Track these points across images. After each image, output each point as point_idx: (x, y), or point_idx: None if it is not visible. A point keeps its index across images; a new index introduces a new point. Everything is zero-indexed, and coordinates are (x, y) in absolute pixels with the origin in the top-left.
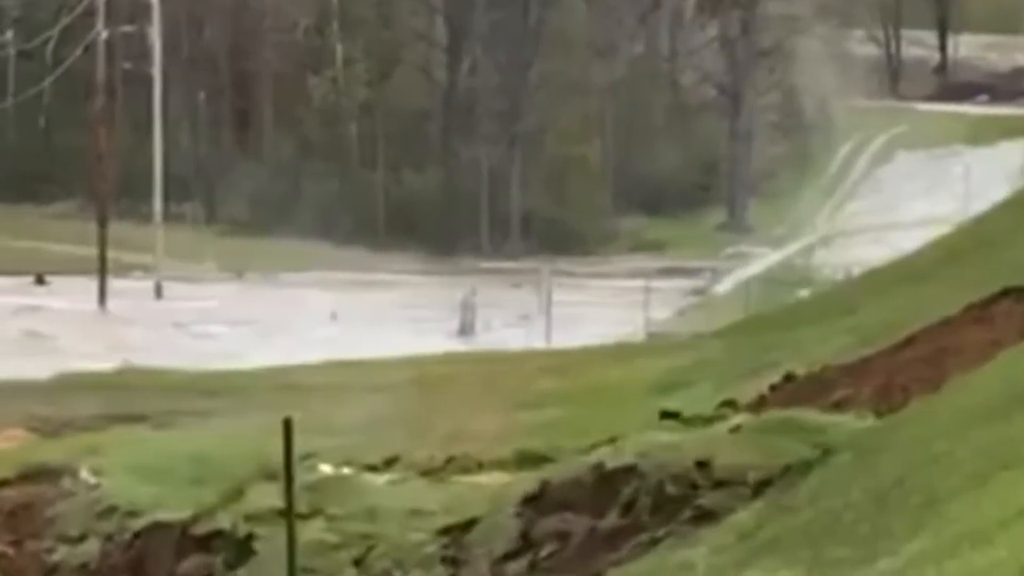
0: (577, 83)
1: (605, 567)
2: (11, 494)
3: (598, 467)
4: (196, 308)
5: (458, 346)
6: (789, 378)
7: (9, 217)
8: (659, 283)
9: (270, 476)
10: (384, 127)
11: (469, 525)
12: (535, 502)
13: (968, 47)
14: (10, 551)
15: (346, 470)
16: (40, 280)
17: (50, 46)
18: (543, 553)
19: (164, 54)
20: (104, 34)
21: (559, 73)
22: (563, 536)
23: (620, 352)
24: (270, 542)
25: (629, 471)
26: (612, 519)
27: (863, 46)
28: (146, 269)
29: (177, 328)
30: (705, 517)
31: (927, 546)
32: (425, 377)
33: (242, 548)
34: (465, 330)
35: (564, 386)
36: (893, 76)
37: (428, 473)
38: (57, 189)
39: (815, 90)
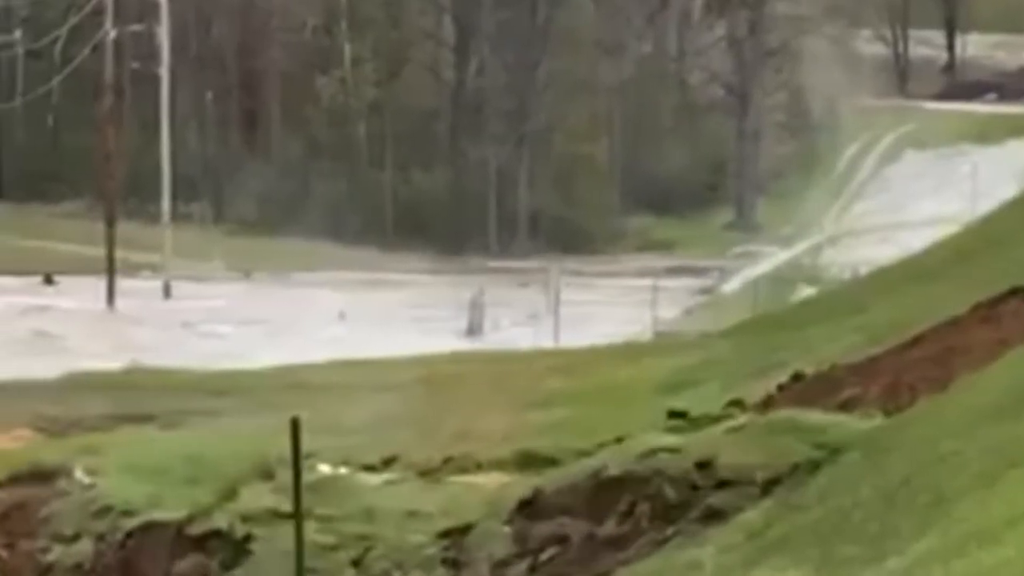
0: (585, 82)
1: (609, 568)
2: (3, 496)
3: (595, 475)
4: (204, 308)
5: (466, 346)
6: (797, 377)
7: (17, 216)
8: (667, 282)
9: (266, 476)
10: (392, 127)
11: (465, 528)
12: (530, 508)
13: (976, 46)
14: (3, 553)
15: (343, 470)
16: (48, 280)
17: (58, 45)
18: (543, 558)
19: (172, 53)
20: (112, 33)
21: (567, 72)
22: (561, 540)
23: (628, 351)
24: (268, 542)
25: (628, 477)
26: (610, 526)
27: (871, 45)
28: (154, 269)
29: (185, 328)
30: (713, 516)
31: (935, 545)
32: (433, 376)
33: (238, 548)
34: (473, 330)
35: (572, 385)
36: (901, 75)
37: (426, 473)
38: (65, 188)
39: (823, 90)
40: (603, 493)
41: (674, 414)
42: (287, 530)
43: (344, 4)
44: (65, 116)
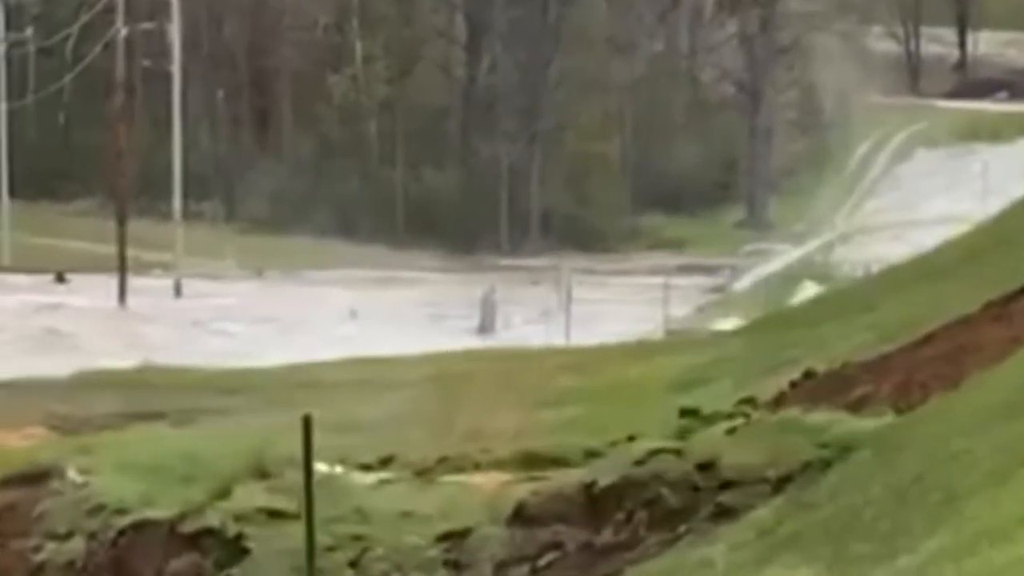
0: (597, 80)
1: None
2: None
3: (591, 485)
4: (215, 306)
5: (478, 344)
6: (809, 375)
7: (29, 214)
8: (678, 280)
9: (263, 475)
10: (404, 125)
11: (463, 531)
12: (527, 513)
13: (987, 44)
14: None
15: (338, 469)
16: (60, 278)
17: (70, 43)
18: (541, 563)
19: (184, 51)
20: (124, 31)
21: (579, 70)
22: (558, 546)
23: (640, 349)
24: (264, 542)
25: (625, 483)
26: (608, 534)
27: (882, 43)
28: (165, 267)
29: (196, 326)
30: (723, 514)
31: (946, 543)
32: (444, 374)
33: (233, 547)
34: (485, 327)
35: (584, 384)
36: (912, 73)
37: (424, 472)
38: (77, 186)
39: (834, 87)
40: (600, 500)
41: (686, 412)
42: (282, 529)
43: (356, 2)
44: (76, 114)
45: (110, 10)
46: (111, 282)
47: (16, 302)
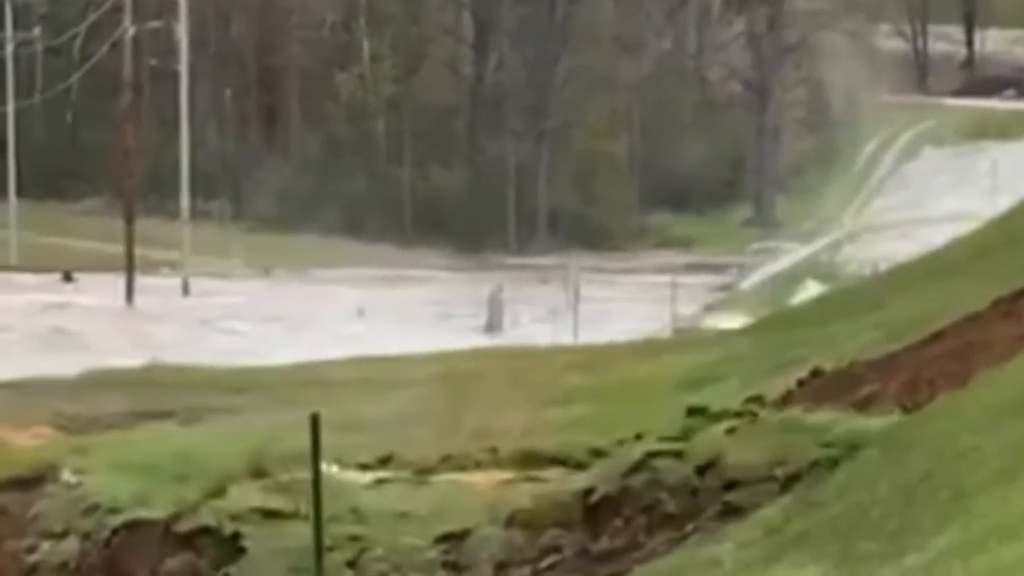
0: (604, 79)
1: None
2: None
3: (588, 493)
4: (223, 305)
5: (485, 342)
6: (816, 373)
7: (36, 213)
8: (686, 279)
9: (259, 473)
10: (411, 123)
11: (459, 532)
12: (525, 519)
13: (995, 42)
14: None
15: (335, 468)
16: (67, 277)
17: (77, 42)
18: (542, 565)
19: (191, 50)
20: (131, 30)
21: (586, 69)
22: (557, 550)
23: (647, 348)
24: (260, 541)
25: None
26: (605, 541)
27: (890, 41)
28: (173, 266)
29: (204, 325)
30: (731, 513)
31: (955, 541)
32: (452, 373)
33: (228, 547)
34: (492, 326)
35: (591, 382)
36: (920, 71)
37: (424, 471)
38: (84, 186)
39: (842, 85)
40: (598, 508)
41: (693, 410)
42: (278, 528)
43: (363, 1)
44: (84, 113)
45: (117, 9)
46: (119, 281)
47: (24, 301)
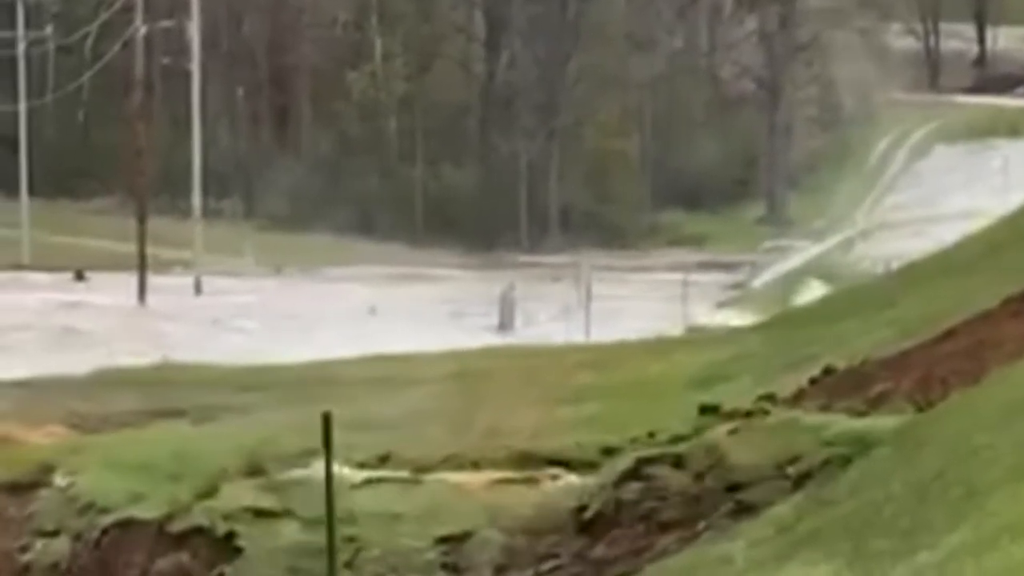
0: (616, 77)
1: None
2: None
3: (581, 509)
4: (235, 303)
5: (497, 341)
6: (828, 371)
7: (48, 213)
8: (698, 277)
9: (252, 473)
10: (423, 122)
11: (457, 533)
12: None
13: (1007, 39)
14: None
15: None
16: (79, 276)
17: (89, 41)
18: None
19: (203, 49)
20: (143, 29)
21: (598, 67)
22: (554, 556)
23: (659, 346)
24: (254, 540)
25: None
26: (602, 548)
27: (901, 39)
28: (185, 265)
29: (216, 324)
30: (743, 510)
31: (967, 539)
32: (464, 372)
33: (222, 546)
34: (504, 325)
35: (603, 380)
36: (932, 69)
37: (421, 470)
38: (96, 185)
39: (854, 84)
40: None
41: (705, 408)
42: (270, 528)
43: None
44: (96, 112)
45: (129, 8)
46: (131, 280)
47: (36, 300)
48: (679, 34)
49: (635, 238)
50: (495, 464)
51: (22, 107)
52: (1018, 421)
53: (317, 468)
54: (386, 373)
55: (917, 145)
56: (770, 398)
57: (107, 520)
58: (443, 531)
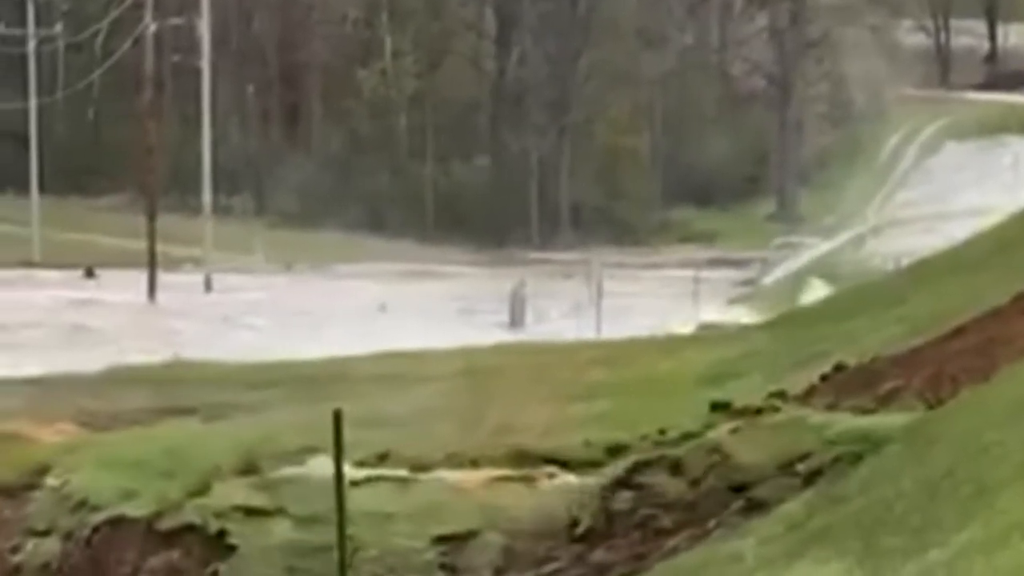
0: (626, 73)
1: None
2: None
3: (574, 526)
4: (245, 301)
5: (508, 338)
6: (839, 368)
7: (59, 210)
8: (709, 274)
9: (247, 471)
10: (433, 119)
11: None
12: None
13: (1018, 36)
14: None
15: (323, 459)
16: (89, 273)
17: (99, 39)
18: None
19: (213, 47)
20: (153, 27)
21: (608, 63)
22: (551, 560)
23: (670, 343)
24: (247, 539)
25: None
26: (600, 553)
27: (912, 36)
28: (195, 262)
29: (226, 321)
30: (754, 508)
31: (978, 536)
32: (474, 368)
33: (214, 544)
34: (515, 322)
35: (614, 377)
36: (942, 66)
37: (419, 468)
38: (106, 182)
39: (864, 80)
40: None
41: (717, 405)
42: (261, 526)
43: None
44: (106, 110)
45: (139, 5)
46: (141, 277)
47: (46, 297)
48: (690, 30)
49: (646, 235)
50: (495, 462)
51: (32, 104)
52: None
53: (312, 466)
54: (396, 370)
55: (928, 142)
56: (780, 395)
57: (98, 518)
58: (440, 531)
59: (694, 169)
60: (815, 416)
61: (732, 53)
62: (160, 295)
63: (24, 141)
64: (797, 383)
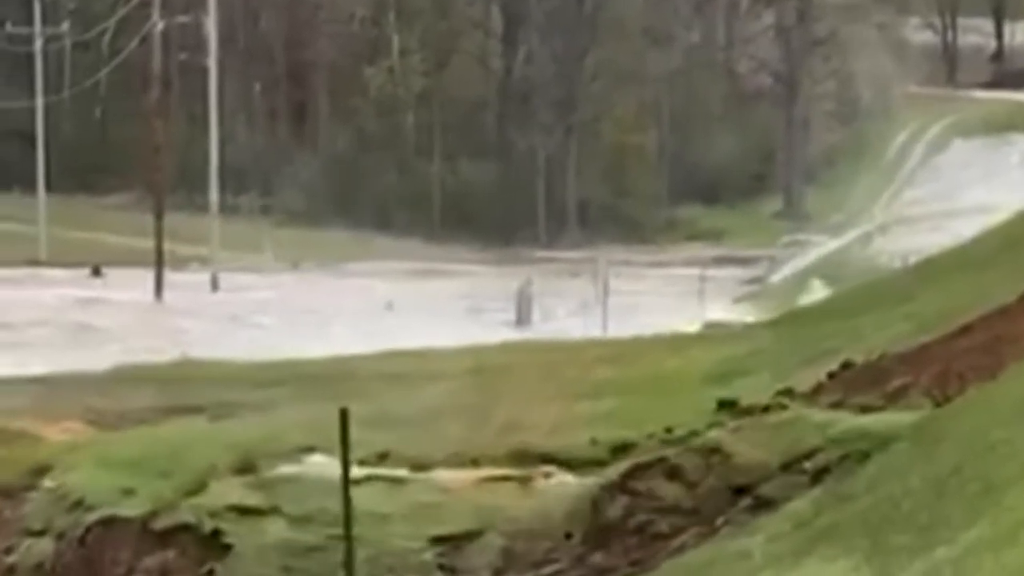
0: (633, 72)
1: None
2: None
3: (569, 538)
4: (252, 299)
5: (515, 336)
6: (847, 366)
7: (66, 209)
8: (716, 272)
9: (243, 470)
10: (440, 117)
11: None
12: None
13: None
14: None
15: (317, 457)
16: (96, 272)
17: (106, 37)
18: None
19: (220, 45)
20: (160, 25)
21: (615, 62)
22: (551, 561)
23: (676, 341)
24: (242, 538)
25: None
26: (599, 557)
27: (919, 33)
28: (202, 261)
29: (233, 320)
30: (762, 506)
31: (985, 534)
32: (481, 367)
33: (209, 543)
34: (522, 320)
35: (620, 375)
36: (949, 63)
37: (420, 468)
38: (113, 181)
39: (871, 78)
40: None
41: (724, 404)
42: (256, 526)
43: None
44: (113, 108)
45: (146, 4)
46: (148, 276)
47: (53, 296)
48: (696, 29)
49: (652, 233)
50: (495, 462)
51: (39, 103)
52: None
53: (309, 465)
54: (403, 369)
55: (935, 140)
56: (788, 393)
57: (91, 518)
58: (437, 531)
59: (701, 167)
60: (820, 414)
61: (739, 51)
62: (167, 294)
63: (31, 139)
64: (804, 381)
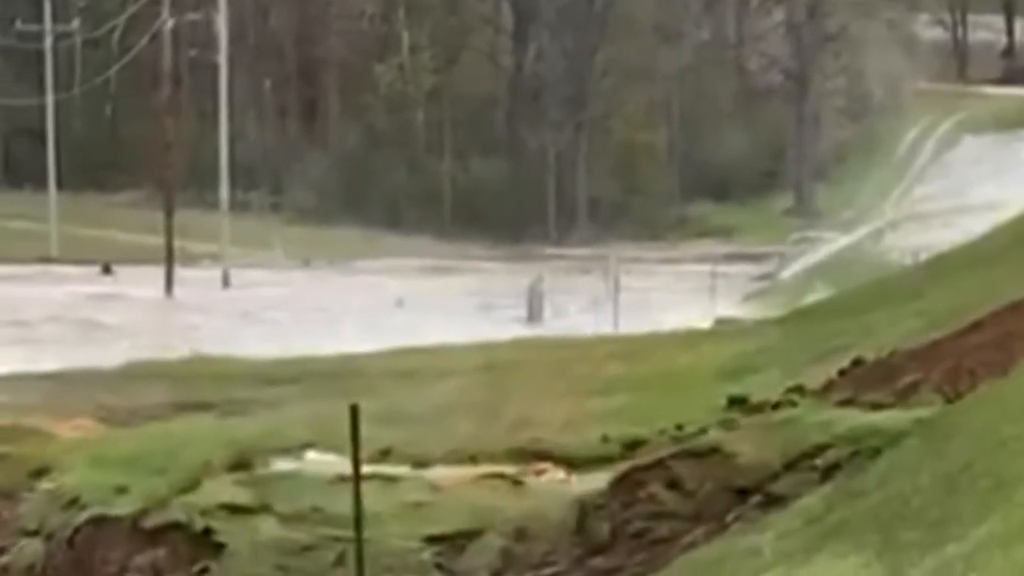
0: (643, 69)
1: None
2: None
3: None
4: (263, 296)
5: (526, 333)
6: (857, 363)
7: (76, 206)
8: (726, 268)
9: (237, 468)
10: (450, 114)
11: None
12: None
13: None
14: None
15: (312, 454)
16: (107, 269)
17: (116, 34)
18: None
19: (230, 42)
20: (170, 22)
21: (625, 59)
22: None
23: (687, 338)
24: (234, 536)
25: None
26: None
27: (929, 30)
28: (213, 258)
29: (244, 317)
30: (773, 502)
31: (996, 530)
32: (493, 364)
33: (201, 542)
34: (533, 317)
35: (632, 372)
36: (960, 60)
37: (421, 465)
38: (124, 178)
39: (882, 74)
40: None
41: (734, 400)
42: (247, 524)
43: None
44: (123, 105)
45: (156, 1)
46: (158, 273)
47: (63, 293)
48: (706, 26)
49: (663, 230)
50: (495, 459)
51: (50, 101)
52: None
53: (305, 462)
54: (414, 366)
55: (945, 136)
56: (798, 390)
57: (82, 517)
58: (432, 530)
59: (711, 164)
60: (831, 411)
61: (749, 48)
62: (177, 291)
63: (41, 137)
64: (815, 378)
